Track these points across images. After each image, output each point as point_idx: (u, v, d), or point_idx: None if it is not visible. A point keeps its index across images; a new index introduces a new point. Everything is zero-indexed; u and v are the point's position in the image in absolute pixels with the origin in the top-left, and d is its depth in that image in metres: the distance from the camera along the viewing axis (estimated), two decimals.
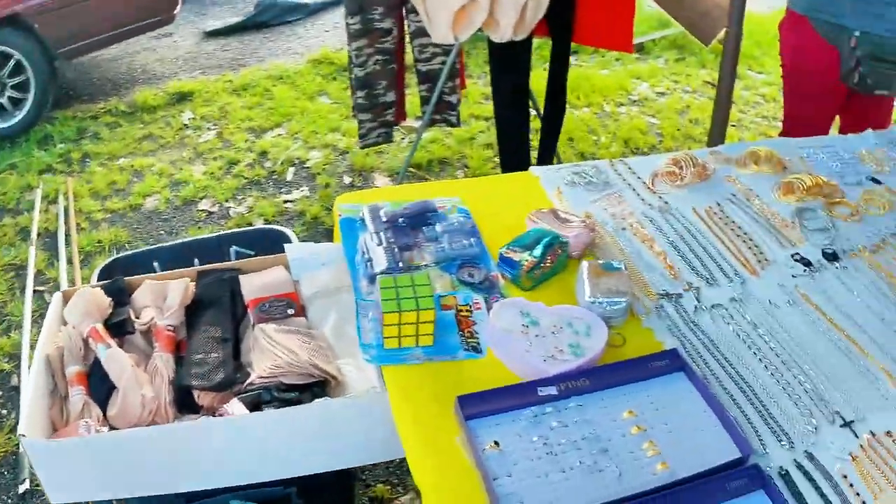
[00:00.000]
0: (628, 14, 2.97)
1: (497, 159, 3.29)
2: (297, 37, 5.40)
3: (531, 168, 1.88)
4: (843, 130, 2.41)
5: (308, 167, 3.64)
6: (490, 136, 3.81)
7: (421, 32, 2.97)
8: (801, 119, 2.46)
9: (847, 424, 1.28)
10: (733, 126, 4.02)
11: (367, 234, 1.53)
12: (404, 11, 3.03)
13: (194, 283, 1.69)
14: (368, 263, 1.45)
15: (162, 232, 3.22)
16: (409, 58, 3.31)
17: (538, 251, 1.43)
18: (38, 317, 2.64)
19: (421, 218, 1.57)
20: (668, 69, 4.85)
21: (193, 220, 3.29)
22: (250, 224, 3.19)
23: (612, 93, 4.45)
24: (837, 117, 2.57)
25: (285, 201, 3.39)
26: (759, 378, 1.35)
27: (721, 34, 3.09)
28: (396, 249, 1.47)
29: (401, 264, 1.44)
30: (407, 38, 3.15)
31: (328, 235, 3.02)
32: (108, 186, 3.52)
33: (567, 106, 3.10)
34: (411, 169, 3.49)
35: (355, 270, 1.48)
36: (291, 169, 3.63)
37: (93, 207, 3.35)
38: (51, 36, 3.93)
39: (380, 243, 1.47)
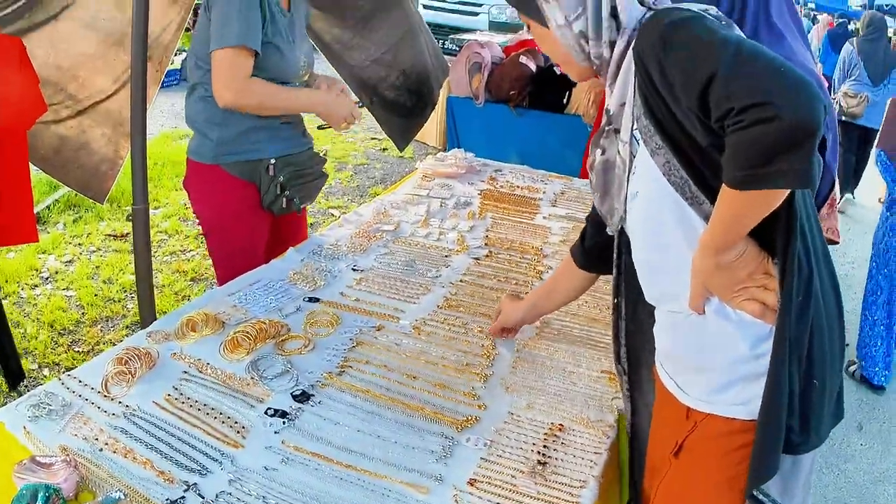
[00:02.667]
0: (28, 206, 2.82)
1: None
2: None
3: None
4: (268, 258, 2.40)
5: None
6: None
7: None
8: (234, 263, 2.34)
9: None
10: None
11: None
12: None
13: None
14: None
15: None
16: None
17: None
18: None
19: None
20: (69, 232, 4.59)
21: None
22: None
23: (23, 276, 4.03)
24: None
25: None
26: None
27: (113, 185, 3.00)
28: None
29: None
30: None
31: None
32: None
33: None
34: None
35: None
36: None
37: None
38: None
39: None
